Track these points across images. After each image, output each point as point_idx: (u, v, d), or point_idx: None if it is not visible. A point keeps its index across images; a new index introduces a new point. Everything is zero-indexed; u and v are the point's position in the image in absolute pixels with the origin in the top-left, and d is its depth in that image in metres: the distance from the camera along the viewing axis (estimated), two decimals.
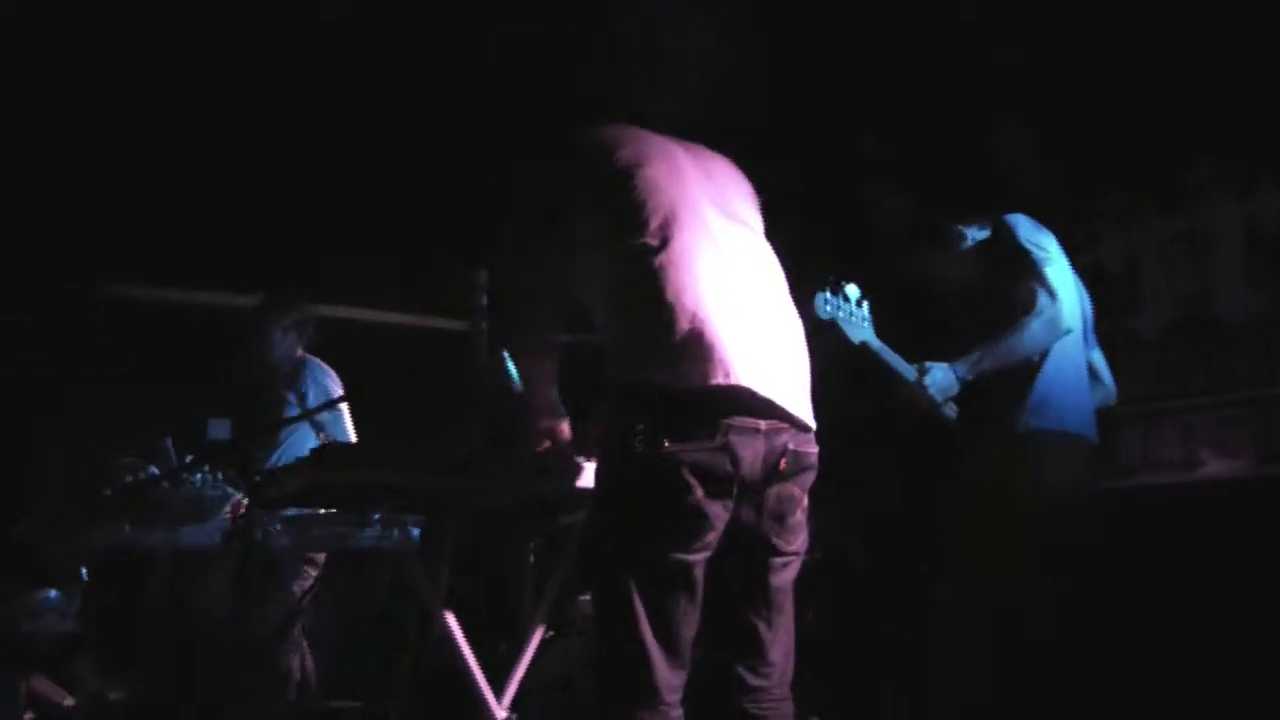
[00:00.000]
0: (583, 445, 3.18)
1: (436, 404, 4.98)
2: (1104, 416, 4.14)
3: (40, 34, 5.01)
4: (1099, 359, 4.17)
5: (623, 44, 4.86)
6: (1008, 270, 3.90)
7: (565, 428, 3.25)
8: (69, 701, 4.41)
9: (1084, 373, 4.04)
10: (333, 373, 5.10)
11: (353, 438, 4.97)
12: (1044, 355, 3.85)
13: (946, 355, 3.85)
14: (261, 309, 5.09)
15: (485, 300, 3.92)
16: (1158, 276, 4.82)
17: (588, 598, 4.86)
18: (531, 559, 4.71)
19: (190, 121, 5.44)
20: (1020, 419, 3.86)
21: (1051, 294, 3.80)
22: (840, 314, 3.86)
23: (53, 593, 4.28)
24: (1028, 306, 3.79)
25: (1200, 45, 4.71)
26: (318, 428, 4.86)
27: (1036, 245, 3.91)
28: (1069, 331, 3.86)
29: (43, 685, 4.37)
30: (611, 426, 2.74)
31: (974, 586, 3.79)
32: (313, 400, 4.85)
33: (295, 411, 4.81)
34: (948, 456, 4.07)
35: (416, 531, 4.09)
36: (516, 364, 3.21)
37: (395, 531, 4.07)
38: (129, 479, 4.08)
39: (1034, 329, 3.79)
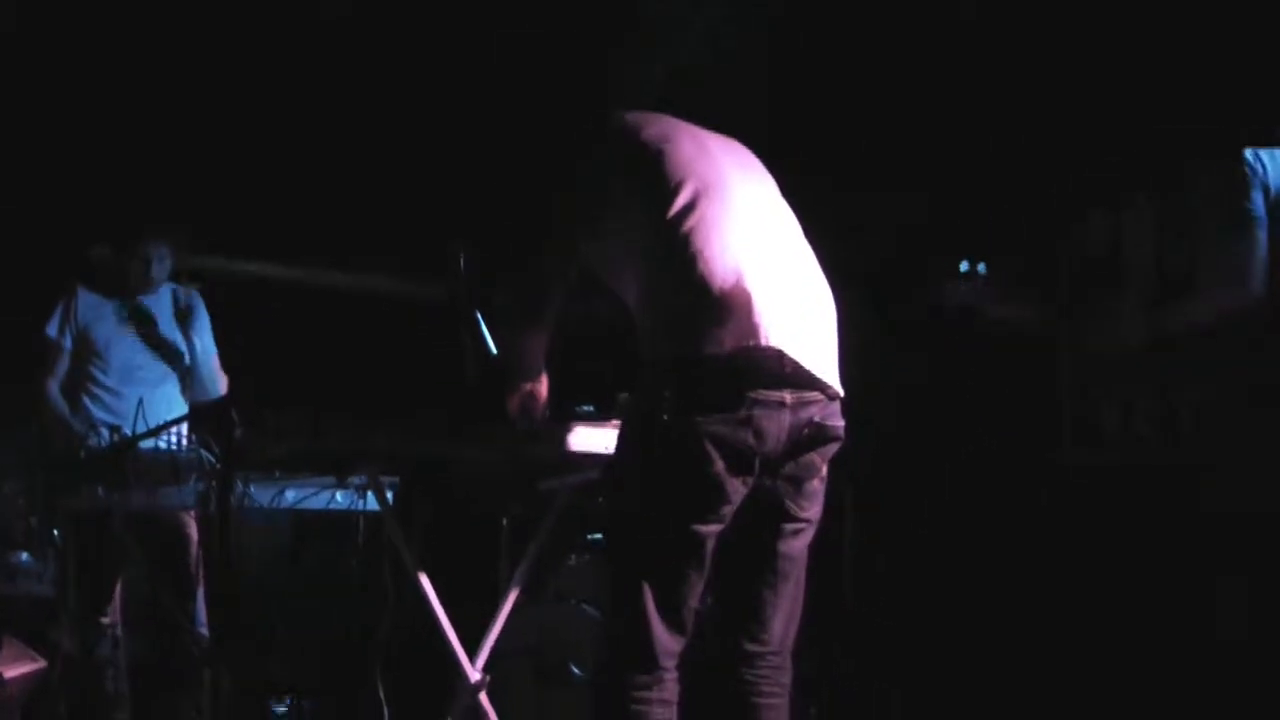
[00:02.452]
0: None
1: (416, 370, 5.00)
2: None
3: None
4: None
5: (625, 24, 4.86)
6: None
7: (544, 389, 3.26)
8: (42, 664, 4.41)
9: None
10: None
11: None
12: None
13: None
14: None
15: (465, 268, 3.90)
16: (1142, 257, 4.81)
17: (573, 562, 4.94)
18: (504, 522, 4.74)
19: (173, 84, 5.42)
20: None
21: None
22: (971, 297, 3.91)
23: (25, 556, 4.28)
24: None
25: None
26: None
27: None
28: None
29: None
30: (637, 395, 2.76)
31: None
32: None
33: None
34: None
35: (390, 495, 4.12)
36: (511, 336, 3.21)
37: (371, 494, 4.10)
38: (103, 443, 4.07)
39: None
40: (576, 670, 4.12)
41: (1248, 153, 3.82)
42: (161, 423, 4.39)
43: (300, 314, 6.03)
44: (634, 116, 2.98)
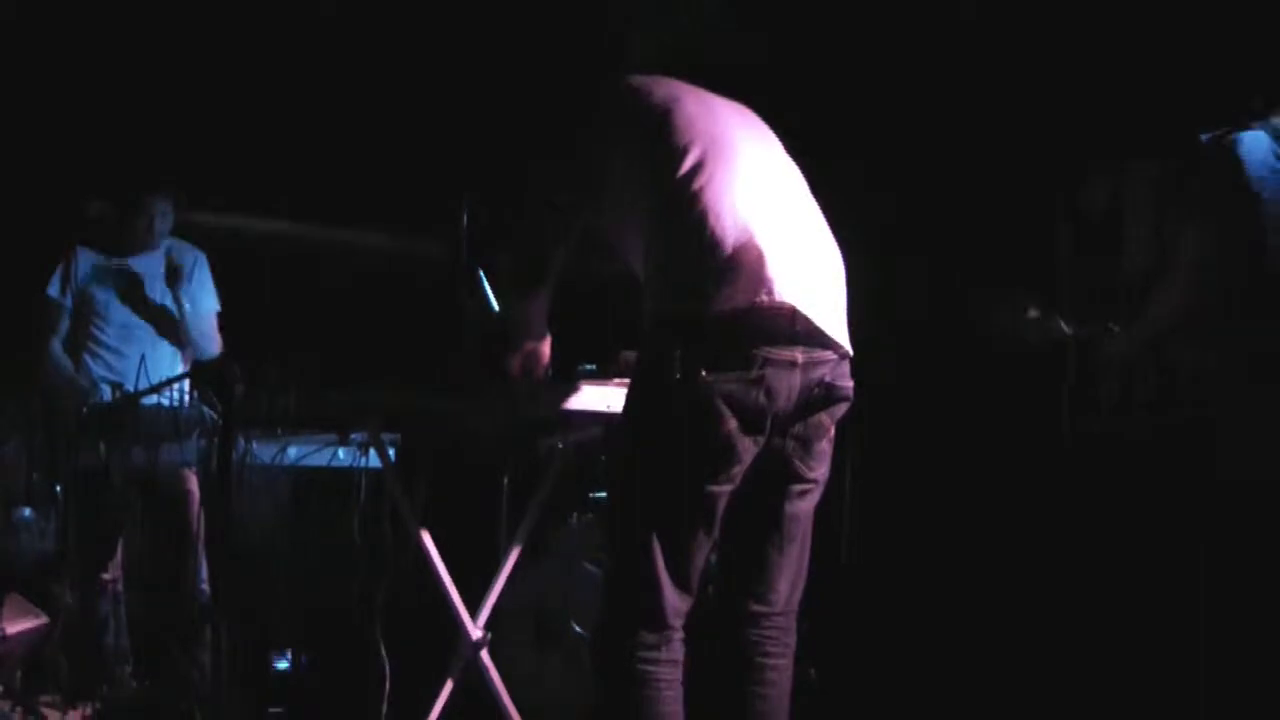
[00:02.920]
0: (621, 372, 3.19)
1: (414, 327, 4.99)
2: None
3: None
4: None
5: None
6: None
7: (546, 349, 3.26)
8: (44, 620, 4.42)
9: None
10: None
11: None
12: None
13: None
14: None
15: (470, 225, 3.90)
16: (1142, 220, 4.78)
17: (573, 521, 4.95)
18: (505, 481, 4.75)
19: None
20: None
21: None
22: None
23: (27, 511, 4.29)
24: None
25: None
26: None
27: None
28: None
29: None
30: (646, 353, 2.76)
31: None
32: None
33: None
34: None
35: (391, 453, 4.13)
36: (513, 296, 3.20)
37: (372, 452, 4.11)
38: (105, 400, 4.08)
39: None
40: (579, 629, 4.12)
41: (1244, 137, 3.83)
42: (162, 380, 4.42)
43: (298, 271, 6.00)
44: (639, 79, 2.98)
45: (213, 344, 5.02)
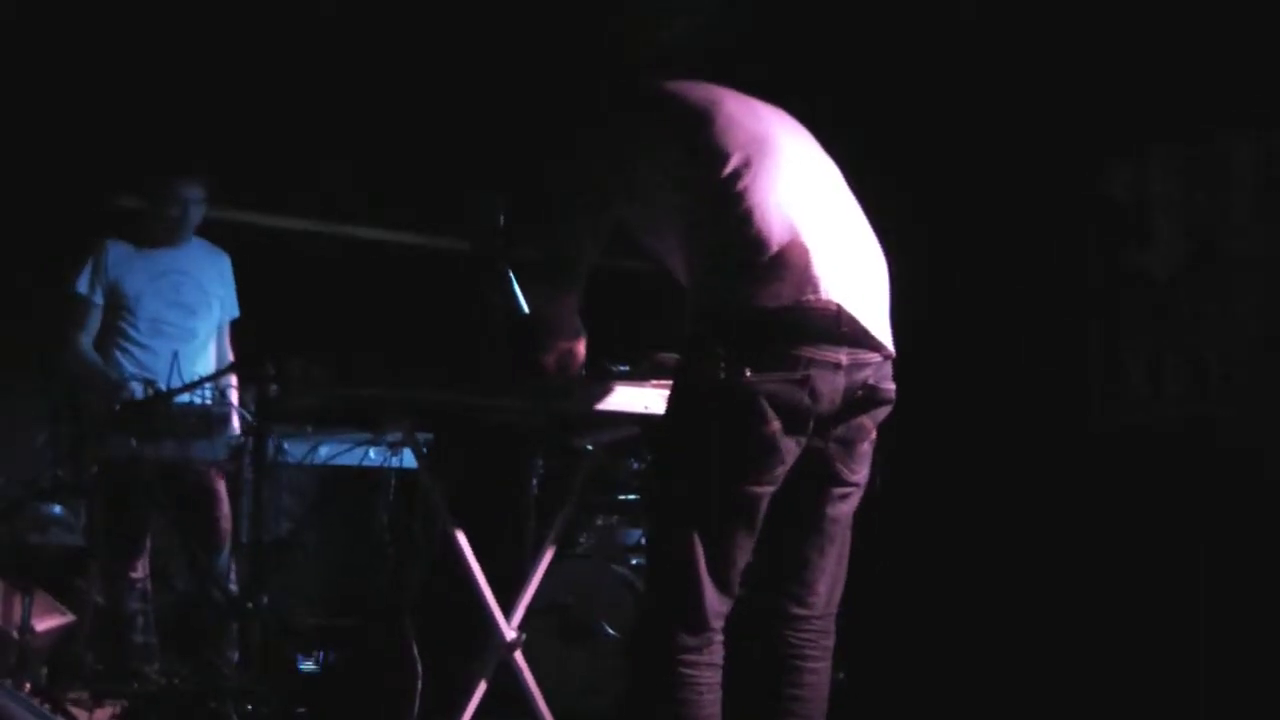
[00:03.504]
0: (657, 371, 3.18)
1: (441, 325, 4.98)
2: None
3: None
4: None
5: None
6: None
7: (581, 347, 3.25)
8: (71, 618, 4.42)
9: None
10: None
11: None
12: None
13: None
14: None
15: (498, 224, 3.88)
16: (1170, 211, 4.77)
17: (602, 522, 4.94)
18: (534, 480, 4.74)
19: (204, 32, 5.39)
20: None
21: None
22: None
23: (57, 507, 4.28)
24: None
25: None
26: None
27: None
28: None
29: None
30: (689, 353, 2.73)
31: None
32: None
33: None
34: None
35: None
36: (544, 296, 3.18)
37: (403, 450, 4.11)
38: (137, 396, 4.08)
39: None
40: (611, 630, 4.10)
41: None
42: (191, 375, 4.42)
43: (320, 269, 5.99)
44: (675, 82, 2.96)
45: (228, 354, 5.04)
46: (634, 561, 4.66)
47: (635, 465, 4.87)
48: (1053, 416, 5.14)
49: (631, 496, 4.90)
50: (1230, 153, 4.63)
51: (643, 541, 4.69)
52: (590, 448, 4.07)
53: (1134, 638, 4.67)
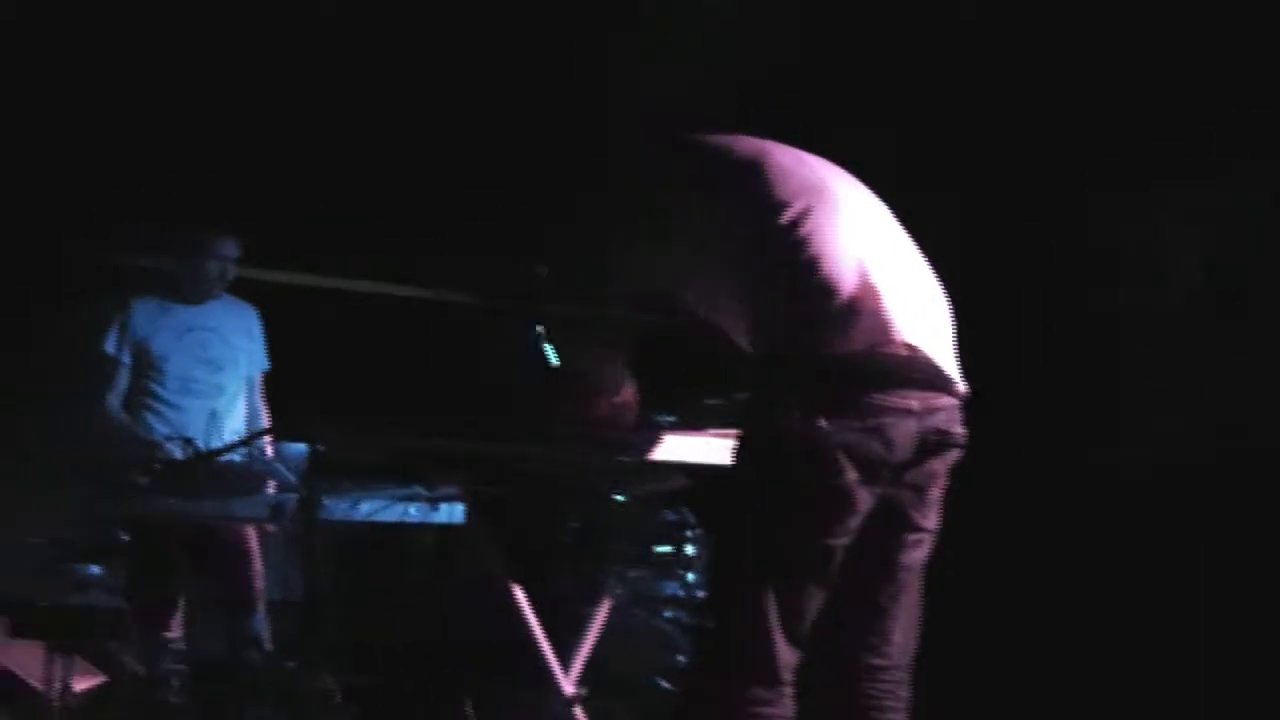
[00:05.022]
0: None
1: (469, 379, 4.98)
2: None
3: None
4: None
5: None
6: None
7: (633, 399, 3.25)
8: (104, 680, 4.38)
9: None
10: None
11: None
12: None
13: None
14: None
15: (530, 282, 3.89)
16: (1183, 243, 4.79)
17: (635, 573, 4.91)
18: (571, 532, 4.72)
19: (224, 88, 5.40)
20: None
21: None
22: None
23: (94, 568, 4.25)
24: None
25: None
26: None
27: None
28: None
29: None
30: (759, 402, 2.72)
31: None
32: None
33: None
34: None
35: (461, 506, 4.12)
36: (594, 356, 3.19)
37: (445, 505, 4.11)
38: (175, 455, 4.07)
39: None
40: (663, 683, 4.09)
41: None
42: (222, 431, 4.41)
43: (339, 325, 5.99)
44: (716, 137, 2.95)
45: (261, 410, 5.02)
46: (668, 614, 4.64)
47: (671, 516, 4.85)
48: (1059, 450, 5.16)
49: (665, 548, 4.88)
50: (1246, 184, 4.64)
51: (678, 594, 4.67)
52: (643, 496, 4.08)
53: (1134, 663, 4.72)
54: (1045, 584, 5.02)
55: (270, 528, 4.46)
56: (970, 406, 2.80)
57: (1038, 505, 5.14)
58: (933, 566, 2.82)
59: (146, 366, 4.79)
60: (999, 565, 5.09)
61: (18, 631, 4.38)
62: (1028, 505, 5.15)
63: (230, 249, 4.85)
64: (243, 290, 5.06)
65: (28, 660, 4.69)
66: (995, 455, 5.17)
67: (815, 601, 2.66)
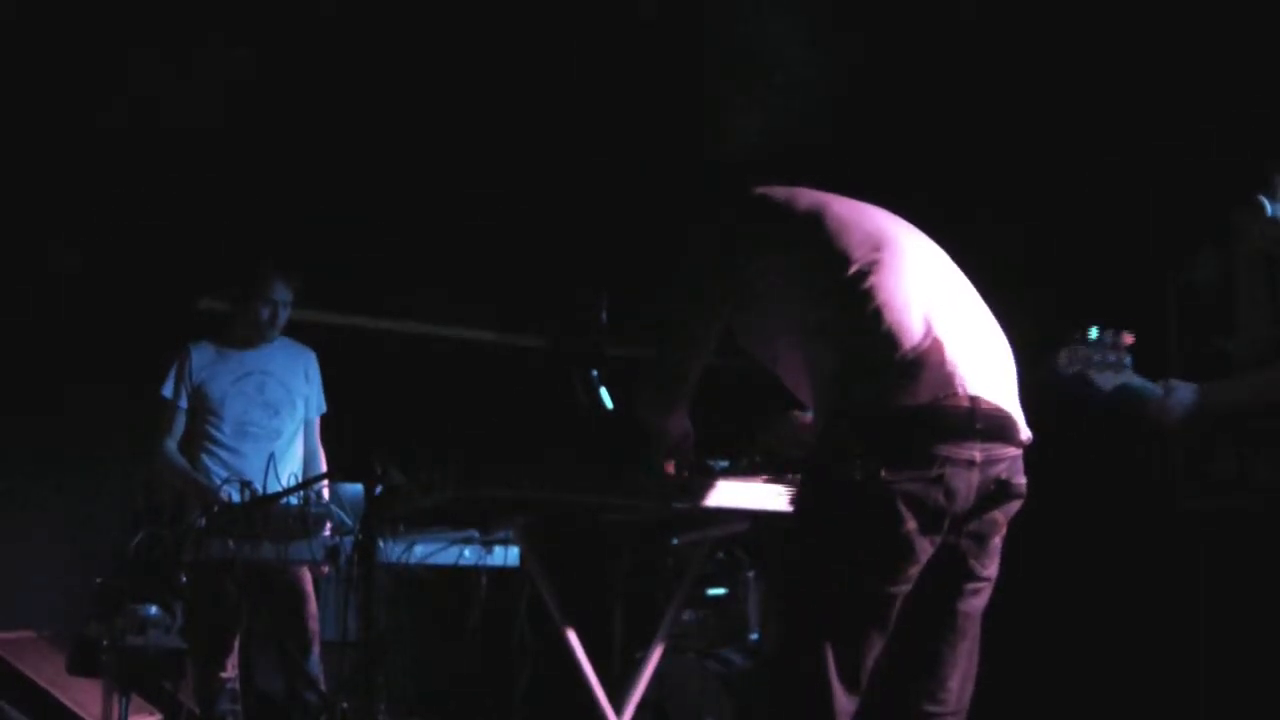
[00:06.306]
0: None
1: (523, 423, 5.01)
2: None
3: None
4: None
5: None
6: None
7: (691, 445, 3.27)
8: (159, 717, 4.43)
9: None
10: None
11: None
12: None
13: None
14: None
15: (595, 324, 3.92)
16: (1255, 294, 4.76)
17: (688, 617, 4.92)
18: (623, 576, 4.73)
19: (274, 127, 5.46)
20: None
21: None
22: (1087, 365, 3.69)
23: (153, 609, 4.30)
24: None
25: None
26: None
27: None
28: None
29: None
30: (822, 451, 2.74)
31: None
32: None
33: None
34: None
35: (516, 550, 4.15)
36: (661, 408, 3.19)
37: (499, 548, 4.14)
38: (234, 498, 4.10)
39: None
40: None
41: None
42: (279, 473, 4.45)
43: (400, 368, 6.05)
44: (779, 190, 2.99)
45: (319, 453, 5.07)
46: (724, 656, 4.65)
47: (720, 556, 4.87)
48: (1141, 497, 5.16)
49: (718, 591, 4.91)
50: None
51: (732, 637, 4.70)
52: (675, 542, 4.09)
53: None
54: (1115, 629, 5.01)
55: (326, 569, 4.48)
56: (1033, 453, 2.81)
57: (1113, 550, 5.14)
58: (991, 613, 2.83)
59: (204, 411, 4.84)
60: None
61: (77, 669, 4.46)
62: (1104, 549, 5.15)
63: (282, 292, 4.90)
64: (306, 333, 5.10)
65: (87, 698, 4.79)
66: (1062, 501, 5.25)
67: (874, 649, 2.67)
